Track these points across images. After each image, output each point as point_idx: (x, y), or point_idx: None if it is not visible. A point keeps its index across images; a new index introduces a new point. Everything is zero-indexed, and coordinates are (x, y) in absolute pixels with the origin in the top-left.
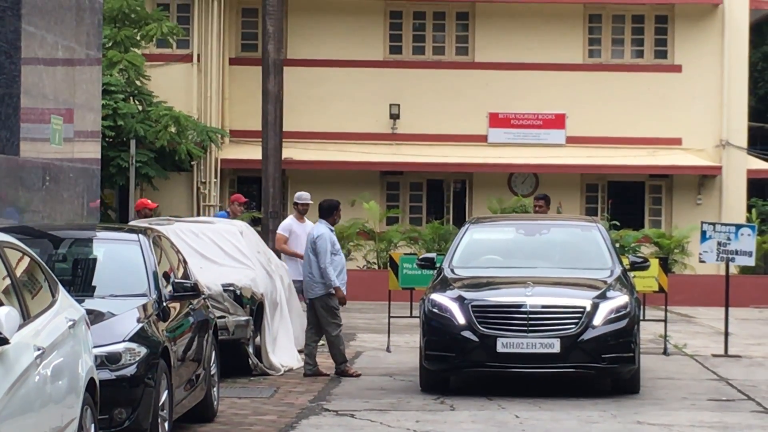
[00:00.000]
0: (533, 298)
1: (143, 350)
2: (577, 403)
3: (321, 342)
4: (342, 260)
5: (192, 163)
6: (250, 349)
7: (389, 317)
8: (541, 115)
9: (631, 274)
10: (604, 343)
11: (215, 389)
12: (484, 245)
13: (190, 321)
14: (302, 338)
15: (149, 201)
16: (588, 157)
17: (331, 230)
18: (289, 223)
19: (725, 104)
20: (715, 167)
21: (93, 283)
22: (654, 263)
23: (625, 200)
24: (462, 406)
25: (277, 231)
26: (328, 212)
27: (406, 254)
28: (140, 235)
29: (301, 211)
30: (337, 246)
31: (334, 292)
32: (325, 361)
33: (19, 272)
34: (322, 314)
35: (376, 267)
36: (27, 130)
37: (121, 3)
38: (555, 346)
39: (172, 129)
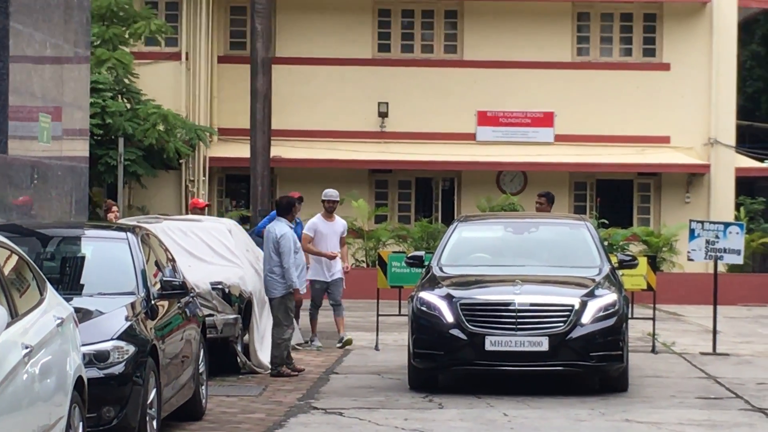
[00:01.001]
0: (522, 296)
1: (131, 348)
2: (565, 401)
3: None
4: (301, 258)
5: (180, 161)
6: (239, 348)
7: (378, 315)
8: (529, 114)
9: (620, 272)
10: (592, 341)
11: (204, 387)
12: (472, 243)
13: (179, 319)
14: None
15: (200, 200)
16: (576, 156)
17: (292, 227)
18: (315, 222)
19: (714, 102)
20: (704, 165)
21: (81, 282)
22: (642, 261)
23: (614, 198)
24: (450, 404)
25: (303, 231)
26: (286, 210)
27: (394, 252)
28: (128, 233)
29: (328, 209)
30: (298, 245)
31: (293, 293)
32: (314, 359)
33: (6, 270)
34: (277, 314)
35: (364, 265)
36: (15, 129)
37: (110, 1)
38: (543, 344)
39: (161, 127)
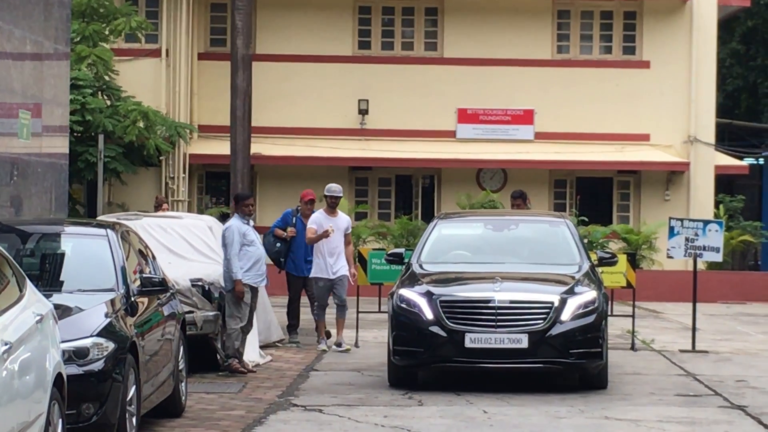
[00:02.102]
0: (501, 294)
1: (111, 345)
2: (545, 398)
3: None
4: (256, 251)
5: (160, 158)
6: (219, 344)
7: (357, 312)
8: (509, 111)
9: (599, 269)
10: (572, 339)
11: (183, 384)
12: (452, 241)
13: (159, 316)
14: (267, 333)
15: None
16: (556, 153)
17: (245, 222)
18: (318, 217)
19: (693, 100)
20: (683, 163)
21: (61, 278)
22: (622, 259)
23: (594, 196)
24: (430, 401)
25: (308, 225)
26: (237, 204)
27: (374, 249)
28: (108, 230)
29: (331, 204)
30: (251, 237)
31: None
32: (293, 356)
33: None
34: (229, 305)
35: None
36: None
37: None
38: (523, 342)
39: (141, 124)
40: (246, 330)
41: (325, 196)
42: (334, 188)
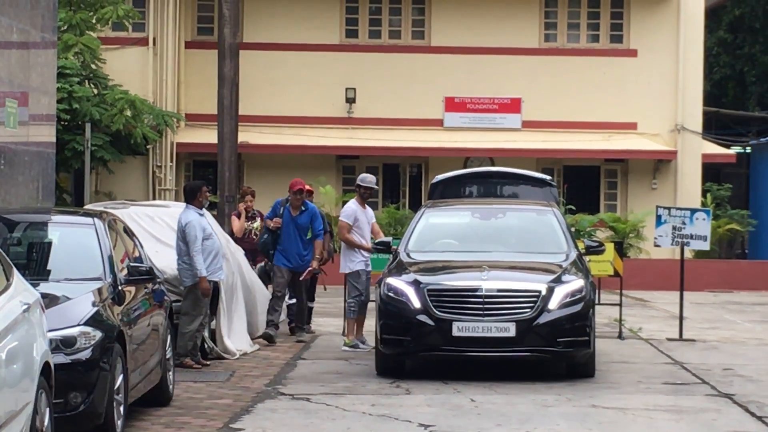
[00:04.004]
0: (489, 282)
1: (98, 334)
2: (532, 386)
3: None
4: (214, 245)
5: (147, 146)
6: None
7: (345, 301)
8: (497, 100)
9: (587, 258)
10: (559, 327)
11: (171, 373)
12: (439, 229)
13: (146, 305)
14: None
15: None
16: (543, 142)
17: (201, 214)
18: (354, 209)
19: (680, 89)
20: (671, 152)
21: (48, 267)
22: (609, 247)
23: (581, 184)
24: (417, 390)
25: (340, 218)
26: (192, 195)
27: None
28: (95, 218)
29: (364, 196)
30: (209, 230)
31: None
32: (281, 344)
33: None
34: (184, 303)
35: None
36: None
37: None
38: (510, 330)
39: (128, 113)
40: (205, 322)
41: (358, 187)
42: (369, 179)
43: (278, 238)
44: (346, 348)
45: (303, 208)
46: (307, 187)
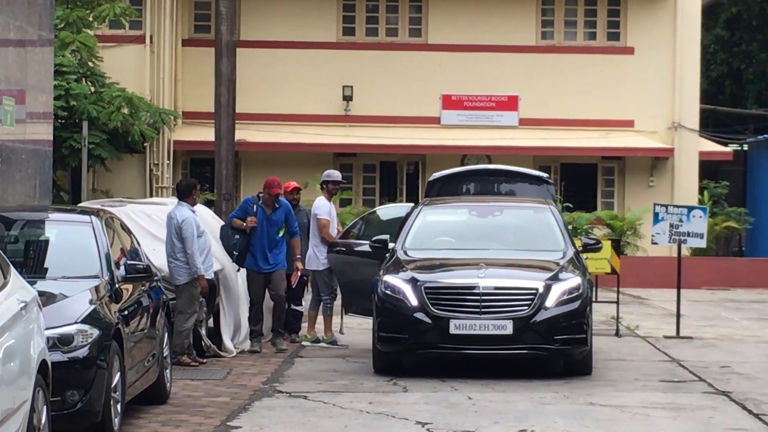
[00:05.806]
0: (486, 280)
1: (95, 332)
2: (529, 384)
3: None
4: (206, 242)
5: (145, 144)
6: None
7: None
8: (494, 97)
9: (584, 255)
10: (556, 325)
11: (168, 371)
12: (436, 227)
13: (143, 303)
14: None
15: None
16: (541, 139)
17: (193, 211)
18: (328, 205)
19: (677, 86)
20: (668, 149)
21: (45, 265)
22: (606, 245)
23: (578, 182)
24: (415, 388)
25: (318, 216)
26: (186, 192)
27: None
28: (92, 216)
29: (331, 192)
30: (201, 228)
31: (198, 279)
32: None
33: None
34: (179, 301)
35: None
36: None
37: None
38: (508, 328)
39: (125, 110)
40: (201, 320)
41: (325, 183)
42: (336, 174)
43: (249, 239)
44: (324, 344)
45: (276, 206)
46: (294, 184)
